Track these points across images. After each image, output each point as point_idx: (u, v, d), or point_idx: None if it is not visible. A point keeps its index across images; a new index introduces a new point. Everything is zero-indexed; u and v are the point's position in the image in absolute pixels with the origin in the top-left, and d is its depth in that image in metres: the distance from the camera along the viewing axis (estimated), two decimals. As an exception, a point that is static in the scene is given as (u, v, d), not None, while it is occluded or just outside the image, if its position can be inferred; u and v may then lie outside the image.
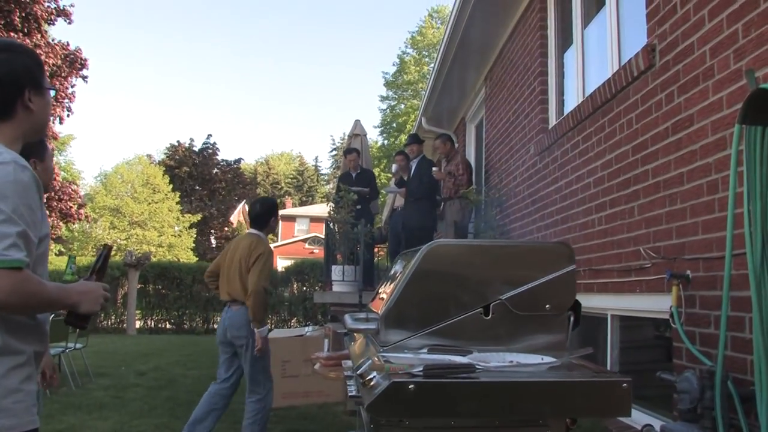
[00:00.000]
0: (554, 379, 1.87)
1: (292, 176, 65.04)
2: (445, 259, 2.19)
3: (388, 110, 38.28)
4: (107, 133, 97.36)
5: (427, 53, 37.10)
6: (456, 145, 9.16)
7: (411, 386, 1.71)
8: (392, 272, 2.51)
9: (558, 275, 2.20)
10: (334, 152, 63.91)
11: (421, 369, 1.76)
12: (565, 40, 6.08)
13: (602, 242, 4.45)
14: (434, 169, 8.63)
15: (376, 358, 1.95)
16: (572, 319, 2.23)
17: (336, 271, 8.36)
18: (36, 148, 2.42)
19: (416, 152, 9.15)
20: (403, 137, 34.05)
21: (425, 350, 2.06)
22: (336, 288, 8.35)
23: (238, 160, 38.88)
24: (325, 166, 67.23)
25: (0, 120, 1.86)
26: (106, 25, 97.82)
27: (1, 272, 1.61)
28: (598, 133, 4.60)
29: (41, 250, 1.82)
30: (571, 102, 5.70)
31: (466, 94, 10.23)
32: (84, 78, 17.05)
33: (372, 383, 1.79)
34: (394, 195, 9.67)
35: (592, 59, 5.34)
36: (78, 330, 8.72)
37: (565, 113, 5.73)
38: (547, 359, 2.00)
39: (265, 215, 5.31)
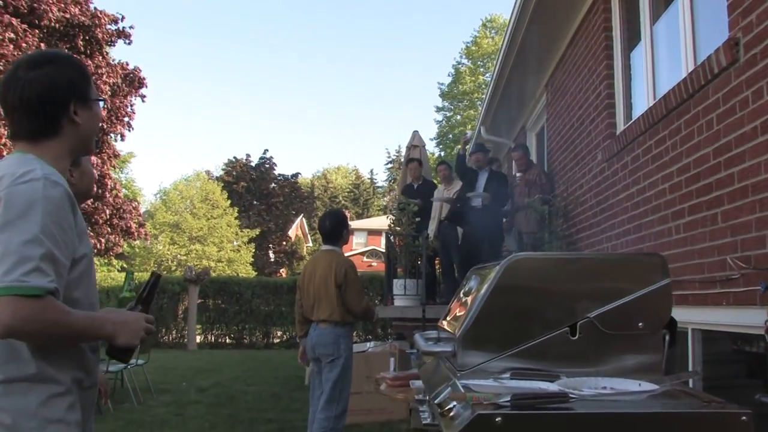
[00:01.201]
0: (660, 410, 1.66)
1: (348, 189, 65.19)
2: (527, 274, 2.01)
3: (444, 121, 38.10)
4: (166, 151, 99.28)
5: (482, 63, 36.83)
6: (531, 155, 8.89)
7: (498, 419, 1.53)
8: (466, 288, 2.33)
9: (651, 290, 2.01)
10: (390, 165, 63.91)
11: (508, 399, 1.58)
12: (631, 41, 5.83)
13: (681, 252, 4.19)
14: (518, 174, 8.39)
15: (455, 386, 1.77)
16: (668, 338, 2.03)
17: (398, 285, 8.19)
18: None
19: (482, 162, 8.90)
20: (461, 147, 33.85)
21: (507, 375, 1.88)
22: (398, 302, 8.18)
23: (296, 174, 39.18)
24: (381, 178, 67.28)
25: (46, 137, 1.76)
26: (163, 44, 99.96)
27: (18, 300, 1.48)
28: (673, 137, 4.35)
29: (79, 270, 1.71)
30: (641, 105, 5.45)
31: (525, 102, 10.01)
32: (142, 97, 17.34)
33: (452, 414, 1.62)
34: (440, 206, 9.42)
35: (663, 59, 5.09)
36: (140, 345, 8.77)
37: (635, 117, 5.49)
38: (646, 385, 1.80)
39: (338, 229, 5.33)
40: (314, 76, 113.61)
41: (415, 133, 11.18)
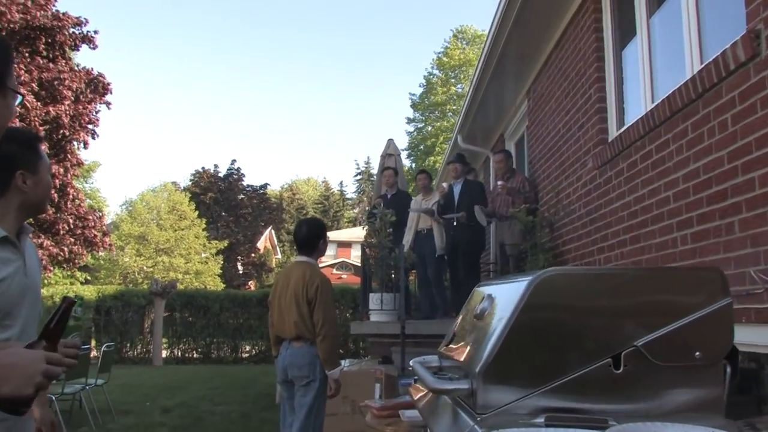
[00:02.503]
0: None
1: (317, 201, 64.69)
2: (561, 292, 1.64)
3: (415, 132, 37.88)
4: (132, 161, 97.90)
5: (453, 74, 36.73)
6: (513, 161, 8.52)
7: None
8: (477, 309, 1.95)
9: (710, 311, 1.65)
10: (359, 176, 63.66)
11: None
12: (624, 42, 5.54)
13: (689, 264, 3.87)
14: (500, 183, 8.06)
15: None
16: (729, 370, 1.67)
17: (374, 300, 7.81)
18: (26, 156, 1.91)
19: (459, 173, 8.60)
20: (432, 159, 33.63)
21: (541, 419, 1.51)
22: (374, 317, 7.80)
23: (264, 186, 38.66)
24: (350, 190, 66.97)
25: None
26: (129, 52, 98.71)
27: None
28: (677, 140, 4.03)
29: None
30: (636, 108, 5.15)
31: (504, 110, 9.72)
32: (108, 104, 16.76)
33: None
34: (417, 216, 9.08)
35: (662, 59, 4.78)
36: (100, 364, 8.24)
37: (628, 122, 5.19)
38: (723, 435, 1.43)
39: (313, 239, 4.86)
40: (283, 87, 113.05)
41: (390, 142, 10.84)
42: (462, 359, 1.82)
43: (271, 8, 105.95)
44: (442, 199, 8.67)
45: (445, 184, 8.85)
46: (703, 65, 3.81)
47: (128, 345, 17.61)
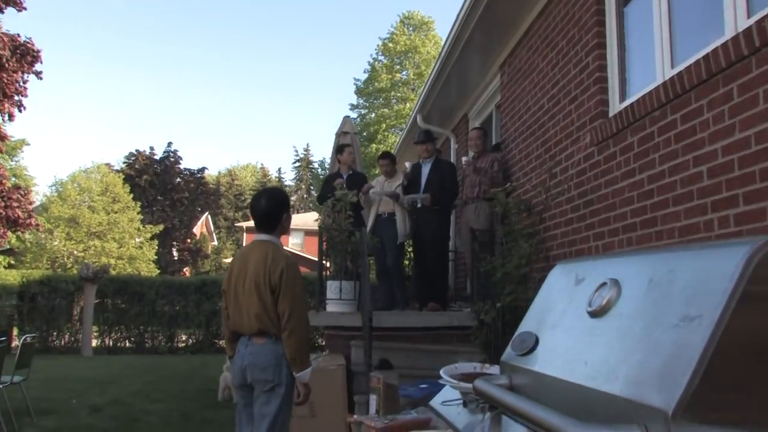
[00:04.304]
0: None
1: (255, 188, 63.45)
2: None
3: (358, 119, 37.12)
4: (63, 139, 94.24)
5: (398, 60, 36.10)
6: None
7: None
8: (592, 301, 1.28)
9: None
10: (298, 164, 62.67)
11: None
12: (626, 5, 4.97)
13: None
14: (465, 158, 7.40)
15: None
16: None
17: (332, 288, 7.09)
18: None
19: (430, 152, 7.94)
20: (375, 146, 32.99)
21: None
22: (332, 308, 7.09)
23: (202, 169, 37.46)
24: (289, 177, 65.96)
25: None
26: (59, 23, 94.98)
27: None
28: (715, 107, 3.45)
29: None
30: (645, 76, 4.58)
31: (470, 88, 9.12)
32: (38, 74, 15.52)
33: None
34: (378, 200, 8.40)
35: (687, 19, 4.20)
36: (17, 358, 7.26)
37: (635, 91, 4.62)
38: None
39: (275, 212, 4.00)
40: (223, 71, 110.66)
41: (347, 119, 10.13)
42: (598, 383, 1.15)
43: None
44: (405, 180, 8.00)
45: (407, 164, 8.17)
46: (754, 18, 3.23)
47: (55, 334, 16.46)
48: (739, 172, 3.23)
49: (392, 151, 11.38)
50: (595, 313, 1.26)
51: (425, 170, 7.80)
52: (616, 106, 4.87)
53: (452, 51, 7.77)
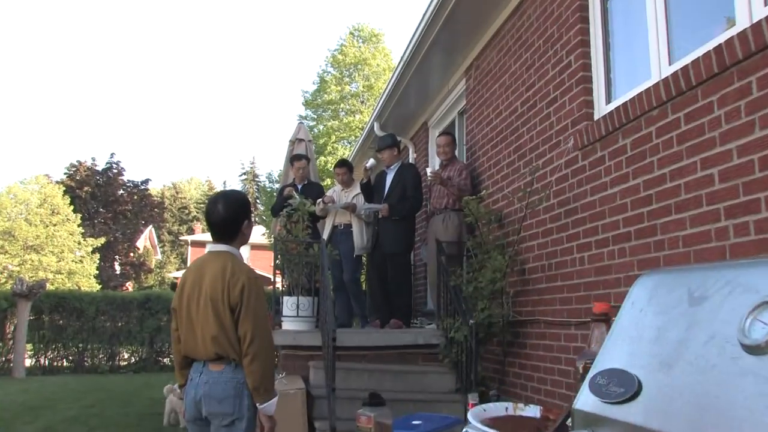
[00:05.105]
0: None
1: (200, 201, 62.19)
2: None
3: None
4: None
5: (347, 72, 35.72)
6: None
7: None
8: (749, 331, 0.87)
9: None
10: (244, 177, 61.62)
11: None
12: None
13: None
14: (429, 169, 6.99)
15: None
16: None
17: (289, 304, 6.60)
18: None
19: (393, 160, 7.51)
20: (324, 159, 32.52)
21: None
22: (288, 325, 6.60)
23: (146, 181, 36.33)
24: (235, 190, 64.59)
25: None
26: None
27: None
28: (729, 103, 3.12)
29: None
30: (636, 74, 4.27)
31: (430, 95, 8.74)
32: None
33: None
34: (335, 211, 7.97)
35: (686, 11, 3.88)
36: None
37: (624, 91, 4.30)
38: None
39: (235, 219, 3.39)
40: (167, 81, 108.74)
41: (300, 125, 9.68)
42: None
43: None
44: (365, 178, 7.54)
45: (368, 163, 7.68)
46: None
47: (-18, 353, 15.48)
48: (762, 173, 2.89)
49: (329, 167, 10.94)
50: (760, 348, 0.85)
51: (389, 178, 7.37)
52: (602, 108, 4.54)
53: (415, 53, 7.38)
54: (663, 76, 3.72)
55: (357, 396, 5.60)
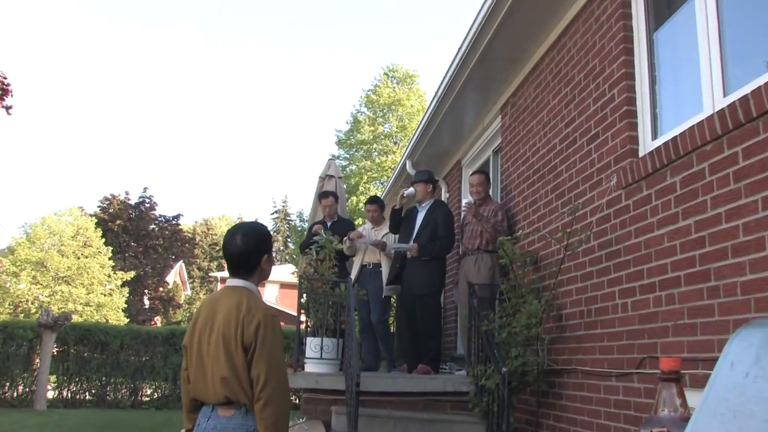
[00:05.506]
0: None
1: (232, 238, 62.21)
2: None
3: (339, 170, 36.53)
4: (34, 181, 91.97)
5: (381, 113, 35.77)
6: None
7: None
8: None
9: None
10: (275, 215, 61.71)
11: None
12: (657, 27, 4.40)
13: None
14: (465, 201, 6.69)
15: None
16: None
17: (312, 345, 6.33)
18: None
19: (426, 196, 7.26)
20: (356, 198, 32.42)
21: None
22: (311, 368, 6.32)
23: (177, 216, 36.48)
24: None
25: None
26: (35, 54, 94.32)
27: None
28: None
29: None
30: (683, 109, 3.99)
31: (464, 133, 8.52)
32: (7, 109, 14.75)
33: None
34: (364, 250, 7.73)
35: (743, 35, 3.62)
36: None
37: (673, 126, 4.02)
38: None
39: (254, 252, 3.12)
40: (201, 120, 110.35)
41: (331, 162, 9.53)
42: None
43: (192, 32, 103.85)
44: (398, 204, 7.30)
45: (406, 191, 7.43)
46: None
47: (7, 385, 15.34)
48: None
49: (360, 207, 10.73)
50: None
51: (420, 216, 7.11)
52: (648, 144, 4.26)
53: (449, 90, 7.18)
54: (717, 108, 3.44)
55: (380, 445, 5.32)
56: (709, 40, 3.69)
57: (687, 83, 4.04)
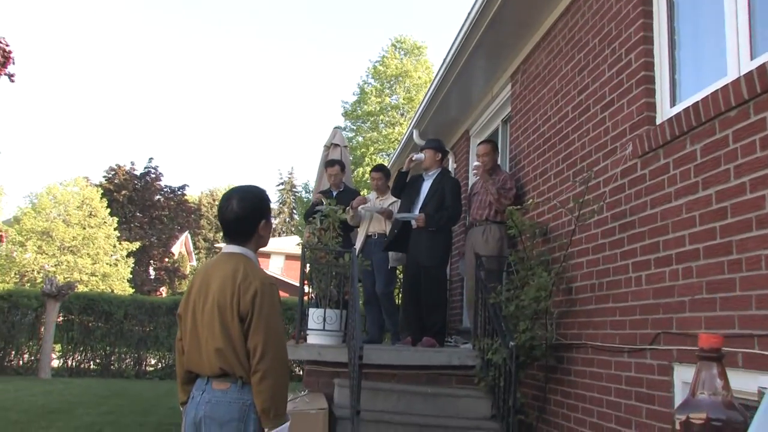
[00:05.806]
0: None
1: (237, 209, 62.12)
2: None
3: (345, 141, 36.28)
4: (38, 149, 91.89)
5: (389, 84, 35.44)
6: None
7: None
8: None
9: None
10: (281, 186, 61.60)
11: None
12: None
13: None
14: (476, 163, 6.49)
15: None
16: None
17: (315, 317, 6.20)
18: None
19: (433, 164, 7.05)
20: (361, 170, 32.23)
21: None
22: (313, 339, 6.20)
23: (183, 187, 36.36)
24: (272, 200, 64.75)
25: None
26: (32, 24, 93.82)
27: None
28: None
29: None
30: (701, 73, 3.80)
31: (472, 102, 8.32)
32: (10, 77, 14.57)
33: None
34: (369, 219, 7.56)
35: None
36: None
37: (693, 92, 3.82)
38: None
39: (250, 217, 2.97)
40: (207, 90, 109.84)
41: (336, 131, 9.36)
42: None
43: (203, 6, 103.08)
44: (405, 168, 7.10)
45: (415, 156, 7.21)
46: None
47: (13, 353, 15.37)
48: None
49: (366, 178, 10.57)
50: None
51: (426, 185, 6.91)
52: (666, 111, 4.07)
53: (458, 57, 6.97)
54: (744, 72, 3.24)
55: (383, 419, 5.20)
56: (737, 1, 3.49)
57: (709, 47, 3.84)
